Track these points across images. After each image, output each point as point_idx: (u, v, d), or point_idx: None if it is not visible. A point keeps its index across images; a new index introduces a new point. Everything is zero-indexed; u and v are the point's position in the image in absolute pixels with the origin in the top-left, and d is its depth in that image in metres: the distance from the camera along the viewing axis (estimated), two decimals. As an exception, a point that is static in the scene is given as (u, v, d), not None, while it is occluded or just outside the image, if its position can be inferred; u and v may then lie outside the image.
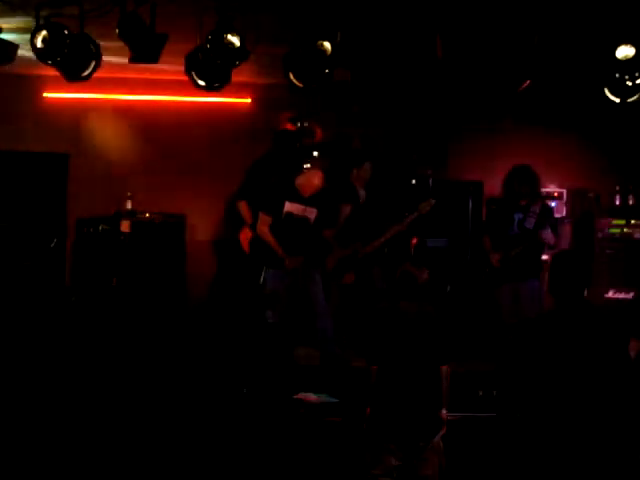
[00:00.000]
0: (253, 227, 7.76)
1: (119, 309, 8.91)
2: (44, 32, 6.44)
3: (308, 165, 7.81)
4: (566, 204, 9.69)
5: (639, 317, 5.63)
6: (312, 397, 6.39)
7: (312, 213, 7.50)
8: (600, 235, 9.22)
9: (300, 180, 7.49)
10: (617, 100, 6.89)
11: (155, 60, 6.66)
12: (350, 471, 4.99)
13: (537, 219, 7.62)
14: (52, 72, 6.88)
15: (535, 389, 4.15)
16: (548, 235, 7.55)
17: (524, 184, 7.60)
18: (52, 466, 4.74)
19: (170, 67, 7.63)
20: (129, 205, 9.70)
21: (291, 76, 6.80)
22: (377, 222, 8.00)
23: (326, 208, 7.60)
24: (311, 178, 7.50)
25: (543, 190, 8.29)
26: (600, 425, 4.02)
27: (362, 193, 8.11)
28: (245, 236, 8.04)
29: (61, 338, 8.01)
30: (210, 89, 6.92)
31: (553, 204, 9.18)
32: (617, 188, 9.61)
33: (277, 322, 7.43)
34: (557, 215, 8.98)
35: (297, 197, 7.48)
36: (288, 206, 7.46)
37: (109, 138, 9.79)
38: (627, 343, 4.20)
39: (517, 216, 7.68)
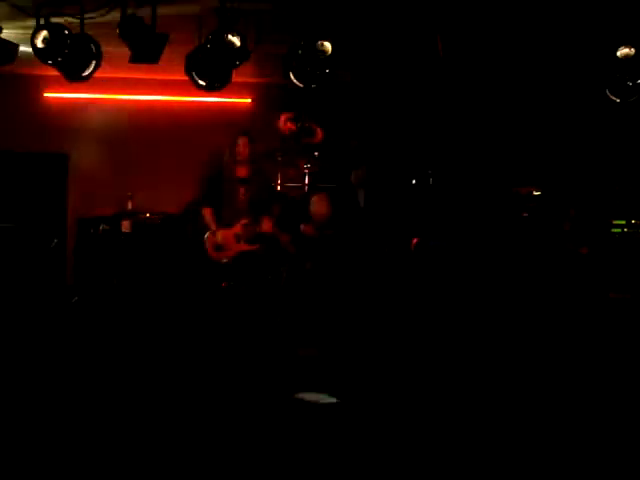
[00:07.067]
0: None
1: (121, 309, 8.91)
2: (44, 32, 6.44)
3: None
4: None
5: None
6: (312, 396, 6.39)
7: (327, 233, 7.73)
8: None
9: (310, 209, 7.76)
10: (618, 100, 6.91)
11: (155, 60, 6.66)
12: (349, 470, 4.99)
13: None
14: (52, 72, 6.87)
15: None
16: None
17: None
18: (52, 466, 4.74)
19: (170, 67, 7.62)
20: (130, 205, 9.72)
21: (291, 76, 6.80)
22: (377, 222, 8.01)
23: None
24: (319, 206, 7.78)
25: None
26: None
27: (362, 193, 8.13)
28: (211, 242, 7.90)
29: (62, 338, 8.01)
30: (210, 89, 6.91)
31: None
32: (617, 188, 9.60)
33: (283, 319, 7.57)
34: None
35: (311, 221, 7.79)
36: (304, 227, 7.76)
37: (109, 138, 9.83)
38: None
39: None
